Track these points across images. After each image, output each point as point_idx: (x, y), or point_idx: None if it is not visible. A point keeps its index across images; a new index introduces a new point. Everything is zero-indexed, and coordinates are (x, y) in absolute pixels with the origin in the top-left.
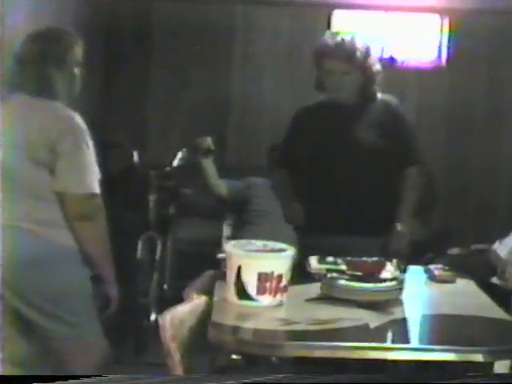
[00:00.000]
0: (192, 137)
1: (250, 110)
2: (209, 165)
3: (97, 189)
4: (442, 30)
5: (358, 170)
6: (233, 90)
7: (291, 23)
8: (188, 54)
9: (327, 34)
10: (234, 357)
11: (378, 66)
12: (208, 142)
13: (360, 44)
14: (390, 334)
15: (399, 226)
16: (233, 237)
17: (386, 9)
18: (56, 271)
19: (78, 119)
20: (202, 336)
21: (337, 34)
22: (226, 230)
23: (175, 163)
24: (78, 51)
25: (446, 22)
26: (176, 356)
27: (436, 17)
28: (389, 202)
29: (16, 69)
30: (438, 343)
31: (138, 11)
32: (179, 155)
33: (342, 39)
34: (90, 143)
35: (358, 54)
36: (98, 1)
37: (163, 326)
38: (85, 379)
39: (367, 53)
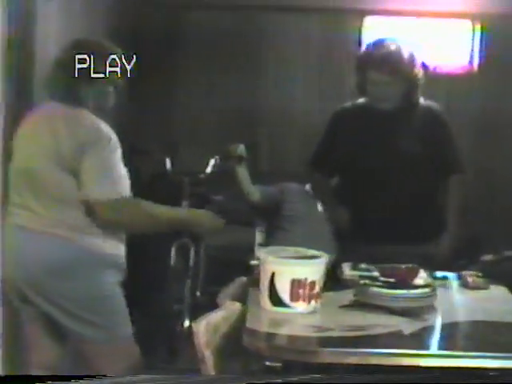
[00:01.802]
0: (224, 143)
1: (281, 116)
2: (242, 172)
3: (124, 192)
4: (473, 36)
5: (399, 177)
6: (264, 97)
7: (321, 30)
8: (219, 61)
9: (371, 42)
10: (267, 363)
11: (421, 73)
12: (240, 149)
13: (405, 53)
14: (423, 341)
15: (444, 235)
16: (265, 243)
17: (418, 15)
18: (87, 276)
19: (104, 127)
20: (236, 342)
21: (381, 41)
22: (259, 237)
23: (208, 170)
24: (113, 63)
25: (478, 27)
26: (210, 362)
27: (467, 22)
28: (430, 210)
29: (49, 77)
30: (472, 350)
31: (167, 20)
32: (212, 162)
33: (389, 52)
34: (118, 151)
35: (404, 65)
36: (127, 9)
37: (197, 332)
38: (87, 380)
39: (412, 62)
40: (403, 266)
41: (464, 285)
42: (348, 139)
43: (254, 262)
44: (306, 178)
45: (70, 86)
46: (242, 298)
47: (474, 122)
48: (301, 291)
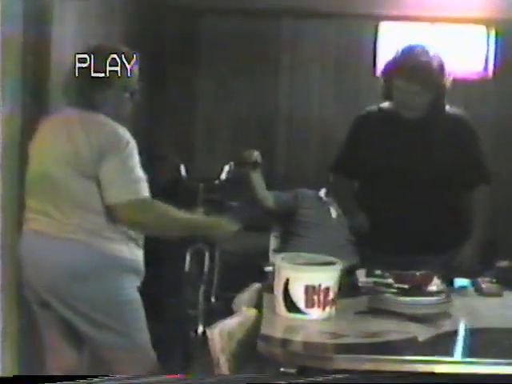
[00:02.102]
0: (239, 150)
1: (297, 121)
2: (257, 178)
3: (144, 193)
4: (488, 41)
5: (423, 185)
6: (280, 102)
7: (338, 35)
8: (235, 66)
9: (401, 50)
10: (282, 370)
11: (449, 81)
12: (256, 155)
13: (436, 62)
14: (438, 347)
15: (466, 245)
16: (280, 249)
17: (433, 20)
18: (106, 281)
19: (122, 131)
20: (251, 348)
21: (412, 49)
22: (274, 242)
23: (222, 176)
24: (131, 69)
25: (493, 32)
26: (225, 368)
27: (482, 28)
28: (453, 220)
29: (66, 82)
30: (487, 356)
31: (185, 25)
32: (226, 168)
33: (420, 61)
34: (136, 154)
35: (434, 75)
36: (143, 14)
37: (212, 338)
38: (88, 379)
39: (442, 71)
40: (417, 273)
41: (479, 291)
42: (371, 144)
43: (268, 268)
44: (320, 184)
45: (86, 92)
46: (257, 303)
47: (490, 128)
48: (315, 297)
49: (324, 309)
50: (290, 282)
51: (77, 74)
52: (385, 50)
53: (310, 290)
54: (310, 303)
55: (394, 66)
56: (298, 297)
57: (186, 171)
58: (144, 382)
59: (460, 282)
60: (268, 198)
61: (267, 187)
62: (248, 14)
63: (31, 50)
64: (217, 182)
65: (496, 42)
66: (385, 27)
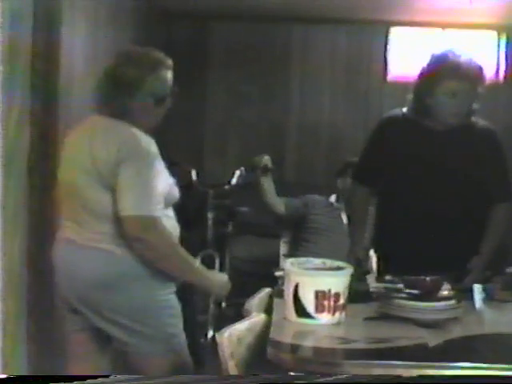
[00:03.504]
0: (250, 155)
1: (307, 127)
2: (267, 183)
3: (153, 212)
4: (499, 47)
5: (446, 198)
6: (290, 108)
7: (348, 40)
8: (246, 72)
9: (439, 54)
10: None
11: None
12: (266, 160)
13: (476, 62)
14: (448, 353)
15: (478, 261)
16: (290, 254)
17: (444, 26)
18: (138, 289)
19: (144, 140)
20: (261, 354)
21: (449, 51)
22: (283, 248)
23: (233, 181)
24: (156, 78)
25: (504, 38)
26: (234, 373)
27: (493, 33)
28: (472, 236)
29: (95, 88)
30: (497, 362)
31: (195, 30)
32: (237, 173)
33: (465, 61)
34: (156, 166)
35: (480, 74)
36: (154, 20)
37: (221, 343)
38: (89, 380)
39: (483, 71)
40: (427, 278)
41: (489, 297)
42: (393, 151)
43: (278, 273)
44: (331, 189)
45: (114, 99)
46: (267, 309)
47: (502, 133)
48: (325, 302)
49: (334, 314)
50: (300, 287)
51: (104, 80)
52: (395, 55)
53: (320, 295)
54: (319, 308)
55: (440, 70)
56: (308, 302)
57: (197, 177)
58: (144, 382)
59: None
60: (278, 203)
61: (277, 193)
62: (259, 20)
63: (40, 52)
64: (227, 187)
65: (507, 48)
66: (395, 32)
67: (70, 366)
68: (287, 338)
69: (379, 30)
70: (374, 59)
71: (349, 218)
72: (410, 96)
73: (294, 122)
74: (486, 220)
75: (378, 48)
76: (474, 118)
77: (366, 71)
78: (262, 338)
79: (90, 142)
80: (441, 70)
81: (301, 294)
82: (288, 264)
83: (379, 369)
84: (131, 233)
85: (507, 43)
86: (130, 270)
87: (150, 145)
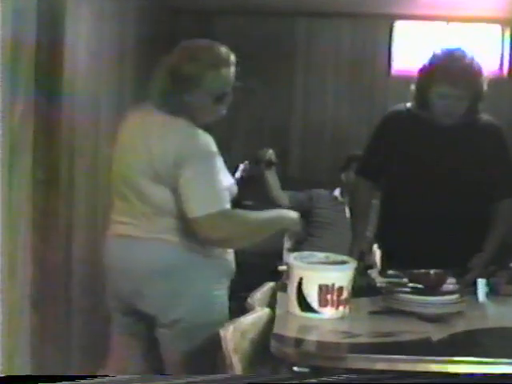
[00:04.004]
0: (254, 149)
1: (311, 122)
2: (271, 176)
3: (224, 205)
4: (503, 40)
5: (450, 194)
6: (294, 102)
7: (353, 35)
8: (250, 67)
9: (439, 53)
10: (295, 369)
11: (486, 85)
12: (270, 153)
13: (476, 66)
14: (452, 347)
15: (481, 259)
16: (294, 249)
17: (448, 19)
18: (196, 280)
19: (202, 138)
20: (264, 348)
21: (453, 53)
22: (288, 242)
23: (237, 175)
24: (218, 75)
25: (508, 32)
26: (237, 368)
27: (497, 27)
28: (475, 231)
29: (154, 80)
30: (501, 356)
31: (199, 25)
32: (241, 167)
33: (462, 66)
34: (216, 162)
35: (476, 79)
36: (158, 14)
37: (225, 337)
38: (89, 379)
39: (481, 76)
40: (432, 272)
41: (493, 291)
42: (398, 146)
43: (282, 267)
44: (335, 184)
45: (172, 94)
46: (271, 303)
47: (506, 126)
48: (329, 297)
49: (338, 308)
50: (304, 282)
51: (163, 73)
52: (400, 49)
53: (324, 290)
54: (323, 302)
55: (434, 71)
56: (312, 296)
57: None
58: (143, 382)
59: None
60: (283, 197)
61: (282, 187)
62: (263, 15)
63: (44, 47)
64: None
65: (511, 41)
66: (400, 26)
67: (109, 366)
68: (291, 332)
69: (383, 24)
70: (378, 54)
71: (352, 211)
72: (413, 89)
73: (297, 117)
74: (490, 216)
75: (383, 42)
76: (481, 114)
77: (371, 66)
78: (266, 333)
79: (146, 139)
80: (434, 71)
81: (304, 288)
82: (292, 258)
83: (383, 363)
84: (202, 234)
85: (511, 37)
86: (190, 260)
87: (209, 142)
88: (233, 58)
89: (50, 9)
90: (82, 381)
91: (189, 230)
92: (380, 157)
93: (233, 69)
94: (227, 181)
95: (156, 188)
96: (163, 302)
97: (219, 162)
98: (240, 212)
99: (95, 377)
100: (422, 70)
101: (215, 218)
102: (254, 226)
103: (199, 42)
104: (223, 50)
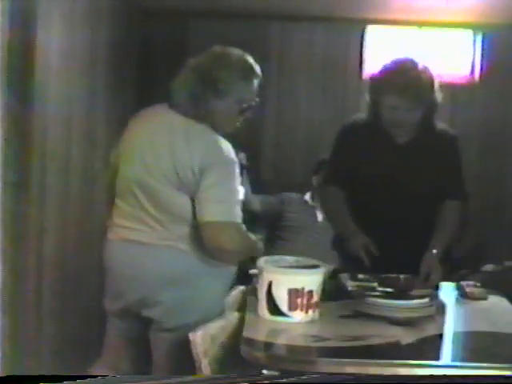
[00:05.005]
0: None
1: (284, 125)
2: (243, 180)
3: (238, 218)
4: (475, 46)
5: (404, 198)
6: (267, 105)
7: (325, 38)
8: None
9: (389, 64)
10: (265, 372)
11: (440, 96)
12: (241, 157)
13: (427, 77)
14: (422, 351)
15: (434, 252)
16: (265, 253)
17: (420, 24)
18: (202, 289)
19: (225, 147)
20: (234, 352)
21: (401, 64)
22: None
23: None
24: (250, 86)
25: (480, 37)
26: (207, 371)
27: (469, 32)
28: (424, 233)
29: (179, 81)
30: (470, 360)
31: (172, 28)
32: None
33: (410, 77)
34: (236, 172)
35: (426, 90)
36: (132, 16)
37: (195, 341)
38: (89, 379)
39: (433, 86)
40: (401, 276)
41: (463, 295)
42: (356, 155)
43: (253, 271)
44: (306, 187)
45: (197, 96)
46: (241, 306)
47: (478, 132)
48: (299, 300)
49: (307, 312)
50: (274, 285)
51: (193, 77)
52: (372, 53)
53: (294, 293)
54: (293, 306)
55: (384, 83)
56: (282, 300)
57: None
58: (143, 382)
59: (445, 285)
60: (254, 201)
61: (253, 191)
62: (236, 17)
63: (16, 49)
64: None
65: (483, 46)
66: (372, 31)
67: (102, 365)
68: (261, 336)
69: (356, 29)
70: (350, 57)
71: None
72: (367, 98)
73: (270, 120)
74: (437, 217)
75: (355, 46)
76: (435, 122)
77: (343, 69)
78: (236, 336)
79: (170, 144)
80: (383, 83)
81: (274, 291)
82: (262, 262)
83: (352, 367)
84: (217, 241)
85: (483, 42)
86: (201, 269)
87: (231, 151)
88: (259, 71)
89: (21, 10)
90: (82, 381)
91: (201, 238)
92: (342, 166)
93: (258, 82)
94: (242, 191)
95: (177, 195)
96: (172, 308)
97: (238, 171)
98: (245, 228)
99: (95, 377)
100: (372, 82)
101: (226, 227)
102: (249, 245)
103: (233, 50)
104: (253, 61)
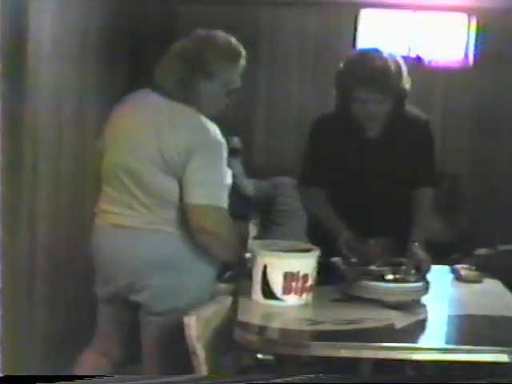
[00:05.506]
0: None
1: (276, 110)
2: (236, 165)
3: (224, 203)
4: (469, 30)
5: (379, 186)
6: (259, 90)
7: (317, 23)
8: None
9: (354, 56)
10: (259, 356)
11: (409, 82)
12: (235, 141)
13: (393, 66)
14: (415, 335)
15: (417, 245)
16: (259, 237)
17: (414, 8)
18: (190, 272)
19: (213, 130)
20: (228, 336)
21: (366, 55)
22: (253, 230)
23: None
24: (236, 68)
25: (474, 21)
26: (201, 355)
27: (463, 16)
28: (404, 220)
29: (162, 66)
30: (464, 343)
31: (163, 13)
32: None
33: (376, 68)
34: (223, 156)
35: (393, 80)
36: (121, 2)
37: (189, 325)
38: (87, 379)
39: (400, 74)
40: (395, 261)
41: (457, 278)
42: (330, 149)
43: (247, 255)
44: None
45: (184, 80)
46: (236, 291)
47: (471, 116)
48: (293, 284)
49: (301, 295)
50: (268, 269)
51: (177, 62)
52: (365, 38)
53: (289, 277)
54: (287, 290)
55: (349, 76)
56: (276, 283)
57: None
58: (143, 382)
59: (439, 269)
60: (246, 185)
61: (246, 175)
62: (226, 2)
63: (8, 38)
64: None
65: (477, 30)
66: (365, 14)
67: (94, 349)
68: (254, 320)
69: (349, 13)
70: (343, 42)
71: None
72: (334, 93)
73: (262, 104)
74: (413, 203)
75: (348, 31)
76: (409, 109)
77: (336, 54)
78: (230, 320)
79: (156, 128)
80: (348, 75)
81: (269, 275)
82: (256, 246)
83: (346, 350)
84: (202, 223)
85: (477, 26)
86: (189, 252)
87: (217, 133)
88: (245, 54)
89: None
90: (82, 381)
91: (185, 221)
92: (319, 163)
93: (243, 63)
94: (229, 174)
95: (163, 178)
96: (161, 292)
97: (225, 154)
98: (232, 221)
99: (93, 377)
100: (338, 76)
101: (211, 210)
102: (231, 235)
103: (217, 33)
104: (240, 45)
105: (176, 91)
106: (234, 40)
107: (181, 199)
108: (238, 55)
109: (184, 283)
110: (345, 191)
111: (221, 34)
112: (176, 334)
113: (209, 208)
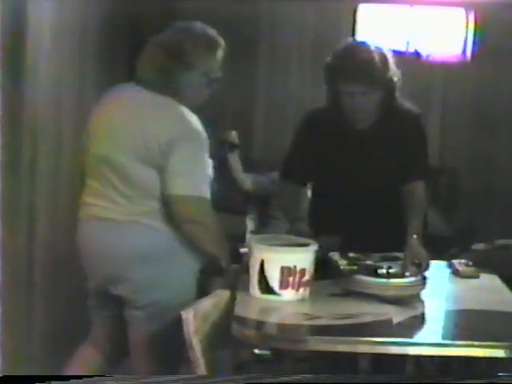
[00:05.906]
0: (217, 131)
1: (275, 104)
2: (234, 159)
3: (206, 193)
4: (467, 24)
5: (369, 182)
6: (258, 85)
7: (316, 17)
8: None
9: (339, 50)
10: (256, 351)
11: (397, 74)
12: (233, 136)
13: (378, 58)
14: (413, 329)
15: (415, 237)
16: (257, 231)
17: (412, 2)
18: (171, 264)
19: (194, 121)
20: (225, 330)
21: (351, 48)
22: (250, 224)
23: None
24: (215, 58)
25: (472, 15)
26: (198, 350)
27: (461, 11)
28: (398, 215)
29: (142, 58)
30: (462, 338)
31: (162, 6)
32: None
33: (360, 59)
34: (205, 147)
35: (379, 72)
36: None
37: (186, 320)
38: (86, 379)
39: (387, 66)
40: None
41: (455, 273)
42: (317, 147)
43: (244, 250)
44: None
45: (164, 71)
46: (233, 285)
47: (469, 111)
48: (290, 279)
49: (298, 290)
50: (266, 264)
51: (159, 52)
52: (363, 32)
53: (286, 272)
54: (284, 284)
55: (334, 69)
56: (274, 278)
57: None
58: (142, 382)
59: (437, 264)
60: (245, 180)
61: (244, 169)
62: None
63: (7, 31)
64: None
65: (475, 25)
66: (363, 9)
67: (86, 348)
68: (252, 315)
69: (347, 7)
70: (341, 36)
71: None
72: (324, 87)
73: (261, 99)
74: (405, 197)
75: (346, 25)
76: (400, 102)
77: (334, 48)
78: (227, 315)
79: (139, 120)
80: (335, 69)
81: (266, 270)
82: (254, 240)
83: (343, 345)
84: (186, 214)
85: (475, 20)
86: (172, 244)
87: (199, 124)
88: (223, 43)
89: None
90: (80, 380)
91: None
92: (303, 158)
93: (222, 52)
94: (211, 165)
95: (144, 170)
96: (142, 286)
97: (207, 145)
98: (215, 214)
99: (92, 377)
100: (326, 69)
101: (194, 200)
102: (217, 227)
103: (195, 24)
104: (217, 34)
105: (157, 83)
106: (212, 30)
107: (163, 191)
108: (215, 44)
109: (167, 276)
110: (335, 185)
111: (199, 25)
112: (162, 329)
113: (191, 198)
